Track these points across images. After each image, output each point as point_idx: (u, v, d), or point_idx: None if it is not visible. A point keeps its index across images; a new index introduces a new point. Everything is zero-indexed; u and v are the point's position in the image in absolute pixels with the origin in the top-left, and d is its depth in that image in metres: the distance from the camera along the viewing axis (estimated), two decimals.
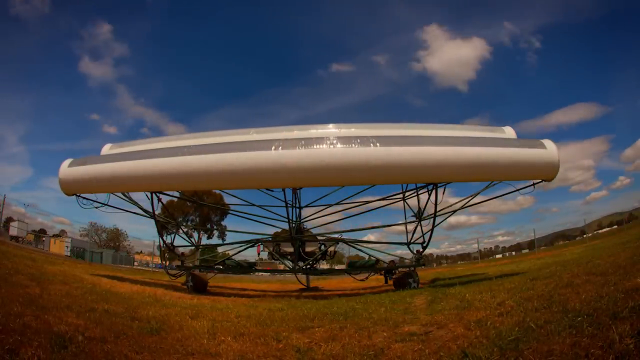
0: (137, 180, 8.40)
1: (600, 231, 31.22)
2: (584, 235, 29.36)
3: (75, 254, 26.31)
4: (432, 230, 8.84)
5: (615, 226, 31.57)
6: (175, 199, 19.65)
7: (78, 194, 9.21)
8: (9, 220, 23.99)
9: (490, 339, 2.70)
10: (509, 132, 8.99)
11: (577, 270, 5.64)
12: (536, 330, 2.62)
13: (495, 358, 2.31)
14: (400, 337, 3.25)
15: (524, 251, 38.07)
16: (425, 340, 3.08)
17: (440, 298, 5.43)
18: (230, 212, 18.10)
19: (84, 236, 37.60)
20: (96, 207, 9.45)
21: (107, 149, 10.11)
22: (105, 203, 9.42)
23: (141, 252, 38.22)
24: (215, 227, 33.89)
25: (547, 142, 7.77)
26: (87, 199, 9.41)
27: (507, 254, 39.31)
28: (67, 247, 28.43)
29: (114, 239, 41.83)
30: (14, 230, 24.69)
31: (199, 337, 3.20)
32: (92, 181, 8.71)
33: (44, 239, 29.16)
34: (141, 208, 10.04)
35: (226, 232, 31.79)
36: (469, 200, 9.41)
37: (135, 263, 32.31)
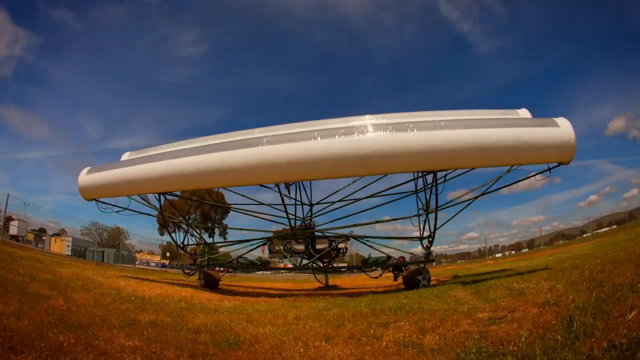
0: (141, 182, 8.21)
1: (599, 230, 28.80)
2: (583, 235, 27.70)
3: (77, 254, 24.57)
4: (435, 224, 7.85)
5: (615, 226, 29.36)
6: (176, 198, 18.53)
7: (97, 199, 8.98)
8: (9, 219, 21.89)
9: (572, 310, 2.58)
10: (523, 114, 7.78)
11: (600, 261, 5.43)
12: (607, 300, 2.63)
13: (591, 320, 2.27)
14: (488, 322, 2.95)
15: (523, 250, 35.55)
16: (513, 320, 2.85)
17: (484, 289, 5.01)
18: (235, 209, 17.12)
19: (85, 235, 35.47)
20: (116, 212, 9.18)
21: (125, 157, 9.54)
22: (126, 207, 9.11)
23: (141, 250, 36.27)
24: (217, 225, 32.33)
25: (561, 120, 6.65)
26: (106, 203, 9.07)
27: (506, 252, 36.05)
28: (68, 246, 26.57)
29: (115, 237, 39.49)
30: (13, 230, 22.76)
31: (289, 346, 2.65)
32: (103, 186, 8.60)
33: (44, 238, 27.14)
34: (157, 209, 9.36)
35: (227, 230, 30.43)
36: (485, 190, 8.36)
37: (137, 262, 30.57)
